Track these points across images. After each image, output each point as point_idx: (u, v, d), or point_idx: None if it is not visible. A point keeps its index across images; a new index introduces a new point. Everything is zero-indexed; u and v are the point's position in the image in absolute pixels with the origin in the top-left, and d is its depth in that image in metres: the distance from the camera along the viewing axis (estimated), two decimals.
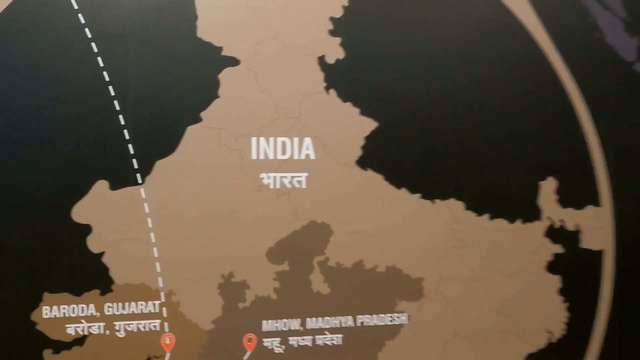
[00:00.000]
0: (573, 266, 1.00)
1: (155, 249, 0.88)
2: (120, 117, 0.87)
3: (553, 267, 1.00)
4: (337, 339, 0.92)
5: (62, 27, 0.84)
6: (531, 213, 0.99)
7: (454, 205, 0.97)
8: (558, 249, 1.01)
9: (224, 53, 0.89)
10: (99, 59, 0.85)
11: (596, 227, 1.01)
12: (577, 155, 1.01)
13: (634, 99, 1.03)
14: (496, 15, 0.99)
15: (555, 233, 1.01)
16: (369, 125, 0.93)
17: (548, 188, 1.00)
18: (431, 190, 0.97)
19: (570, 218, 1.01)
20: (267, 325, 0.90)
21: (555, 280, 1.00)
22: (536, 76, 1.02)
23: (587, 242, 1.01)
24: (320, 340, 0.92)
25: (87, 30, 0.85)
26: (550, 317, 0.99)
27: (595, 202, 1.01)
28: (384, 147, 0.94)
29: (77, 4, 0.85)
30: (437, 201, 0.97)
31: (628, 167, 1.04)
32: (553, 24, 1.01)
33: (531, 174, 0.99)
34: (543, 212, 0.99)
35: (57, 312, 0.84)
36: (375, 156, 0.95)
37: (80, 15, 0.85)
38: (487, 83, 1.00)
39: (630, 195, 1.04)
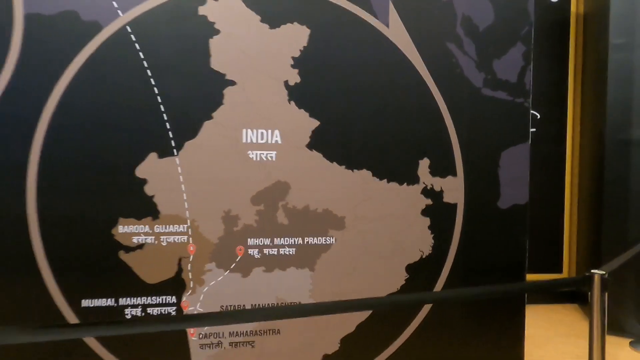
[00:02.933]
0: (438, 212, 1.49)
1: (184, 195, 1.35)
2: (164, 116, 1.32)
3: (425, 212, 1.48)
4: (291, 250, 1.41)
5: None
6: (413, 179, 1.47)
7: (365, 174, 1.46)
8: (429, 202, 1.49)
9: (226, 77, 1.36)
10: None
11: (453, 189, 1.49)
12: (443, 145, 1.49)
13: (480, 110, 1.50)
14: (391, 53, 1.41)
15: (428, 192, 1.48)
16: (314, 123, 1.38)
17: (424, 164, 1.48)
18: (351, 164, 1.40)
19: (437, 183, 1.50)
20: (251, 241, 1.38)
21: (427, 221, 1.48)
22: (418, 94, 1.42)
23: (447, 198, 1.50)
24: (282, 250, 1.41)
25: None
26: (422, 242, 1.47)
27: (454, 173, 1.50)
28: (323, 138, 1.36)
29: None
30: (355, 171, 1.45)
31: (478, 150, 1.47)
32: (430, 61, 1.42)
33: (414, 155, 1.47)
34: (420, 179, 1.47)
35: (127, 229, 1.31)
36: (318, 143, 1.36)
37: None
38: (388, 97, 1.40)
39: (477, 168, 1.50)
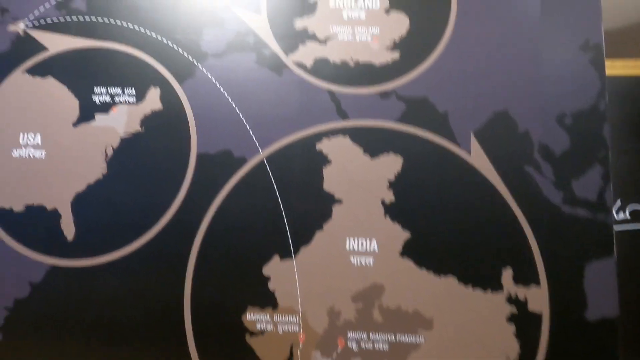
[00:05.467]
0: (523, 321, 1.50)
1: (298, 291, 1.61)
2: (287, 227, 1.70)
3: (510, 319, 1.51)
4: (385, 346, 1.55)
5: None
6: (497, 287, 1.54)
7: (451, 280, 1.58)
8: (514, 309, 1.52)
9: (335, 197, 1.72)
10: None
11: (537, 298, 1.51)
12: (525, 256, 1.56)
13: (561, 225, 1.55)
14: (473, 176, 1.50)
15: (512, 300, 1.52)
16: (406, 235, 1.58)
17: (507, 273, 1.55)
18: (438, 270, 1.50)
19: (521, 292, 1.54)
20: (350, 334, 1.54)
21: (512, 328, 1.50)
22: (499, 211, 1.44)
23: (532, 307, 1.52)
24: (377, 345, 1.56)
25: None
26: (509, 349, 1.48)
27: (537, 283, 1.54)
28: (414, 247, 1.44)
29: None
30: (442, 276, 1.58)
31: (561, 262, 1.51)
32: (510, 182, 1.39)
33: (497, 264, 1.56)
34: (504, 287, 1.54)
35: (253, 317, 1.57)
36: (409, 251, 1.46)
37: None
38: (471, 213, 1.42)
39: (560, 279, 1.52)
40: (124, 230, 1.60)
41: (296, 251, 1.57)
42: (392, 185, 1.61)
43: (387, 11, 1.73)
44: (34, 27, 1.72)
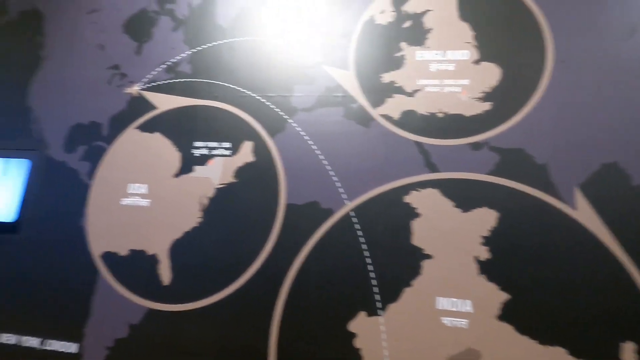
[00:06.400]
0: None
1: (385, 350, 1.54)
2: (374, 282, 1.62)
3: None
4: None
5: None
6: None
7: (560, 351, 1.40)
8: None
9: (424, 252, 1.63)
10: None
11: None
12: None
13: None
14: (580, 233, 1.44)
15: None
16: (505, 296, 1.45)
17: (628, 348, 1.34)
18: (543, 339, 1.38)
19: None
20: None
21: None
22: (613, 273, 1.38)
23: None
24: None
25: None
26: None
27: None
28: (514, 311, 1.41)
29: None
30: (548, 346, 1.41)
31: None
32: (624, 241, 1.38)
33: (615, 336, 1.35)
34: None
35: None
36: (509, 315, 1.41)
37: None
38: (579, 275, 1.39)
39: None
40: (215, 277, 1.65)
41: (383, 308, 1.51)
42: (487, 241, 1.52)
43: (477, 62, 1.70)
44: (147, 89, 1.93)
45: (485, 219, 1.54)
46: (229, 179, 1.77)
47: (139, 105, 1.99)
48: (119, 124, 1.96)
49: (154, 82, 2.00)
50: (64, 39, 2.16)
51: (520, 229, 1.50)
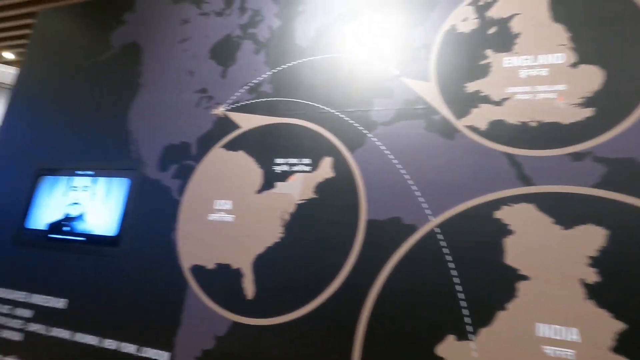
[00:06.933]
0: None
1: None
2: (464, 304, 1.49)
3: None
4: None
5: None
6: None
7: None
8: None
9: (519, 272, 1.50)
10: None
11: None
12: None
13: None
14: None
15: None
16: (619, 325, 1.26)
17: None
18: None
19: None
20: None
21: None
22: None
23: None
24: None
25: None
26: None
27: None
28: (632, 343, 1.22)
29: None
30: None
31: None
32: None
33: None
34: None
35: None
36: (625, 347, 1.22)
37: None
38: None
39: None
40: (297, 292, 1.65)
41: (475, 332, 1.40)
42: (595, 262, 1.35)
43: (575, 65, 1.55)
44: (231, 109, 2.02)
45: (592, 237, 1.37)
46: (310, 194, 1.78)
47: (224, 125, 2.09)
48: (206, 143, 2.07)
49: (238, 102, 2.09)
50: (159, 67, 2.34)
51: (635, 248, 1.32)
